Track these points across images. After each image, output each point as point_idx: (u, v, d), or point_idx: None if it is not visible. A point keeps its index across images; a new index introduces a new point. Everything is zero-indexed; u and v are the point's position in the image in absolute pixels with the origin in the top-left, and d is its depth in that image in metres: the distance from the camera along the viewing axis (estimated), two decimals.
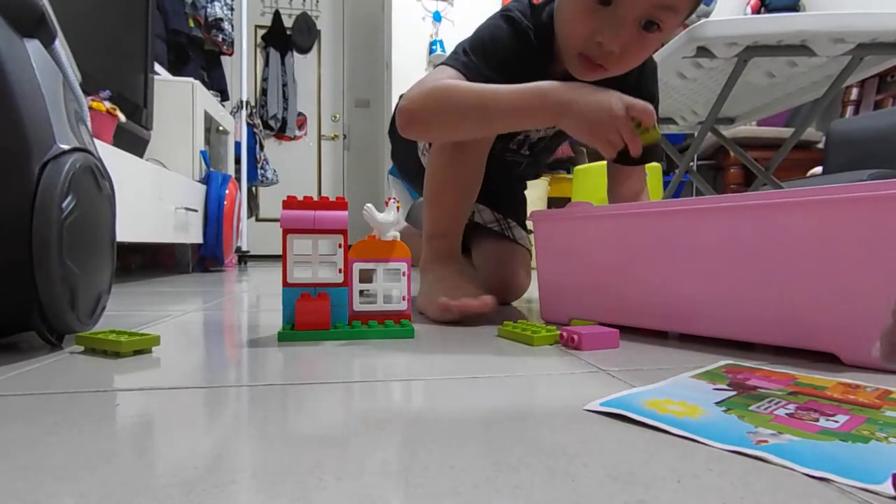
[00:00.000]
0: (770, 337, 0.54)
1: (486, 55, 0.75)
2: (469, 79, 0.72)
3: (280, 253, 0.71)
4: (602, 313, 0.68)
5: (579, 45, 0.70)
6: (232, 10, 2.88)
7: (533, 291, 1.15)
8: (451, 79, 0.72)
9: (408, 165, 1.04)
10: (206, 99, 2.27)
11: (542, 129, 0.93)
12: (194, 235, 2.00)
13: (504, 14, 0.78)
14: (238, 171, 2.82)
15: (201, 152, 2.14)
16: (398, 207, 0.69)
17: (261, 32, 4.09)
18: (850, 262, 0.48)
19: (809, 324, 0.51)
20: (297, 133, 4.14)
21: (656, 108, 0.77)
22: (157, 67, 2.02)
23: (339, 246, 0.65)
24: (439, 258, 0.83)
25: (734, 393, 0.39)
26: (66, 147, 0.54)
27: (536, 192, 2.59)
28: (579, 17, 0.67)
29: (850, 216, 0.48)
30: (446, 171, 0.81)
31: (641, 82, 0.83)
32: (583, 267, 0.70)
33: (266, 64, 4.06)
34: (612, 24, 0.65)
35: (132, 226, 1.42)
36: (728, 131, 1.86)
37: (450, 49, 0.91)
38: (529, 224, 0.93)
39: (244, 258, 2.69)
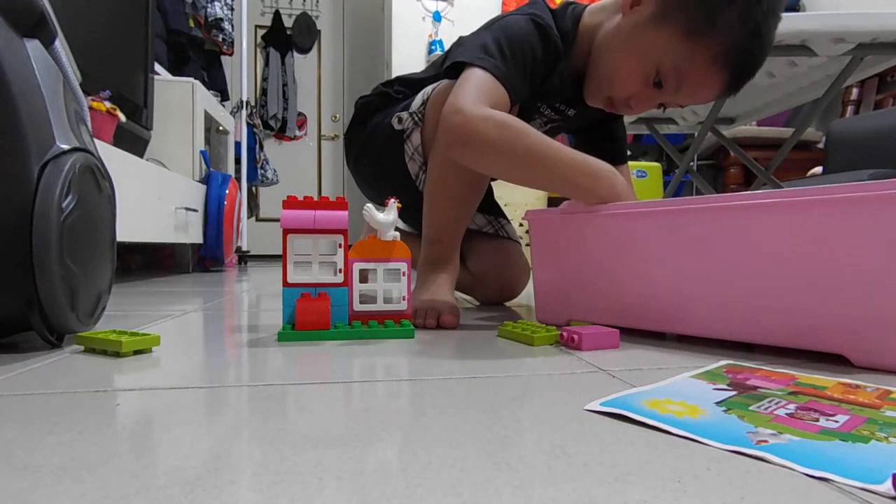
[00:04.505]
0: (775, 338, 0.54)
1: (524, 68, 0.74)
2: (507, 89, 0.71)
3: (280, 253, 0.71)
4: (598, 314, 0.68)
5: (614, 95, 0.77)
6: (232, 10, 2.87)
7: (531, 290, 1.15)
8: (493, 86, 0.70)
9: (383, 172, 0.96)
10: (206, 99, 2.27)
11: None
12: (194, 235, 2.00)
13: (534, 20, 0.76)
14: (238, 171, 2.82)
15: (201, 152, 2.14)
16: (398, 207, 0.69)
17: (261, 32, 4.08)
18: (857, 262, 0.48)
19: (817, 325, 0.51)
20: (297, 133, 4.14)
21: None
22: (157, 67, 2.02)
23: (339, 246, 0.65)
24: (431, 263, 0.82)
25: (734, 393, 0.39)
26: (66, 147, 0.54)
27: (535, 192, 2.58)
28: (631, 81, 0.74)
29: (855, 215, 0.48)
30: (450, 177, 0.79)
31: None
32: (578, 267, 0.70)
33: (266, 64, 4.05)
34: (648, 99, 0.75)
35: (132, 226, 1.42)
36: (728, 131, 1.86)
37: None
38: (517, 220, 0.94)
39: (244, 258, 2.69)
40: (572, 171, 0.67)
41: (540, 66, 0.77)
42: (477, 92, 0.69)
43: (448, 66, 0.75)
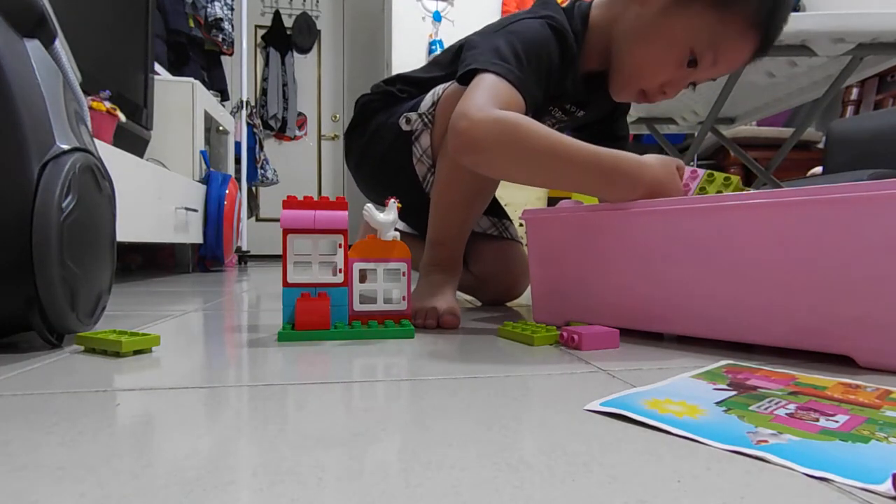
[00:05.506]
0: (777, 339, 0.54)
1: (539, 73, 0.72)
2: (522, 94, 0.68)
3: (280, 253, 0.71)
4: (596, 314, 0.67)
5: (648, 87, 0.76)
6: (232, 10, 2.87)
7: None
8: (506, 91, 0.67)
9: (387, 173, 0.93)
10: (206, 99, 2.27)
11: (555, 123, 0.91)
12: (194, 235, 2.00)
13: (550, 24, 0.74)
14: (238, 171, 2.82)
15: (201, 152, 2.14)
16: (399, 208, 0.69)
17: (261, 32, 4.08)
18: (858, 262, 0.48)
19: (821, 326, 0.50)
20: (297, 133, 4.14)
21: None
22: (157, 67, 2.02)
23: (339, 246, 0.65)
24: (434, 264, 0.82)
25: (734, 393, 0.39)
26: (66, 147, 0.54)
27: (536, 192, 2.59)
28: (664, 68, 0.73)
29: (855, 215, 0.48)
30: (458, 182, 0.77)
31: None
32: (576, 267, 0.69)
33: (266, 64, 4.05)
34: (683, 81, 0.75)
35: (132, 226, 1.42)
36: (728, 131, 1.86)
37: None
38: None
39: (244, 258, 2.69)
40: (587, 176, 0.64)
41: (555, 71, 0.75)
42: (488, 95, 0.66)
43: (461, 74, 0.72)
